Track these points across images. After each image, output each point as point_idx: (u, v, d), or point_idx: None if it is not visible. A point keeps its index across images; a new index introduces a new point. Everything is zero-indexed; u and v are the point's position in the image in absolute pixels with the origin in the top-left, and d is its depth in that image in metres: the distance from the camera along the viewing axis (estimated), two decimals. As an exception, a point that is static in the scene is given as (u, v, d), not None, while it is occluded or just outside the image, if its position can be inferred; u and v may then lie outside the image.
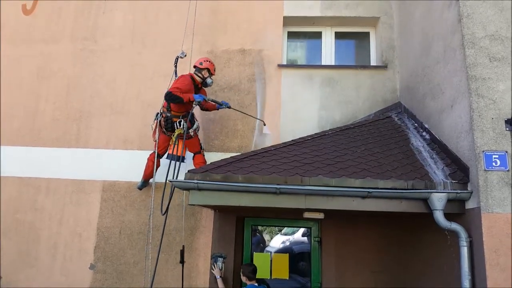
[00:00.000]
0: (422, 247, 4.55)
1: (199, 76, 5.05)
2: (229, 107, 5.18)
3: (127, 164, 5.57)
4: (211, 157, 5.08)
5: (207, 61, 5.09)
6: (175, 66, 5.15)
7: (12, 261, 5.40)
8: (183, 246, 4.83)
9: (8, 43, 6.31)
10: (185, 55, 5.14)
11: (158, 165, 5.11)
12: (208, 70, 5.06)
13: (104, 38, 6.16)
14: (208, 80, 5.09)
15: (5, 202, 5.63)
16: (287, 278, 5.21)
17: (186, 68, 5.23)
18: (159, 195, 5.27)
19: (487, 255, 3.34)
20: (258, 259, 5.25)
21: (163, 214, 4.46)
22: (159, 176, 4.99)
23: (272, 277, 5.18)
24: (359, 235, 5.14)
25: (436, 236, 4.10)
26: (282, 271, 5.21)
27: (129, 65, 6.00)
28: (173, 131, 4.90)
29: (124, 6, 6.26)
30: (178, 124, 4.87)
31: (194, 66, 5.10)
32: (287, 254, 5.38)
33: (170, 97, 4.71)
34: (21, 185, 5.68)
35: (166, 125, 4.91)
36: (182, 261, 4.76)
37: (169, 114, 4.88)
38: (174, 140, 4.89)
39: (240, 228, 5.37)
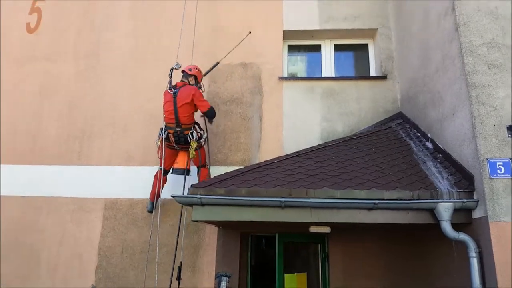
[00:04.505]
0: (431, 259, 4.47)
1: (184, 81, 5.09)
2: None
3: (129, 181, 5.53)
4: (214, 171, 5.04)
5: (196, 68, 5.17)
6: (170, 77, 5.14)
7: (12, 285, 5.27)
8: (181, 262, 4.74)
9: (12, 61, 6.37)
10: (180, 67, 5.16)
11: (165, 182, 5.09)
12: (195, 77, 5.13)
13: (106, 56, 6.21)
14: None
15: (6, 222, 5.57)
16: None
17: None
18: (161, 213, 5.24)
19: (497, 265, 3.27)
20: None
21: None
22: (166, 193, 4.95)
23: None
24: (366, 249, 5.03)
25: (444, 248, 4.03)
26: None
27: (131, 82, 6.03)
28: (186, 143, 4.87)
29: (126, 24, 6.35)
30: (191, 135, 4.85)
31: (183, 71, 5.15)
32: (305, 273, 5.11)
33: (214, 112, 5.03)
34: (22, 204, 5.62)
35: (178, 140, 4.88)
36: (178, 278, 4.65)
37: (179, 129, 4.85)
38: (193, 153, 4.83)
39: (245, 245, 5.27)
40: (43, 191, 5.64)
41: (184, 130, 4.85)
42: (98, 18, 6.42)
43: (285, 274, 4.62)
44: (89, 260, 5.31)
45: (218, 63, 5.56)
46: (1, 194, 5.69)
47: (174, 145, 4.94)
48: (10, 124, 6.05)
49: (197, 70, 5.17)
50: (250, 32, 5.63)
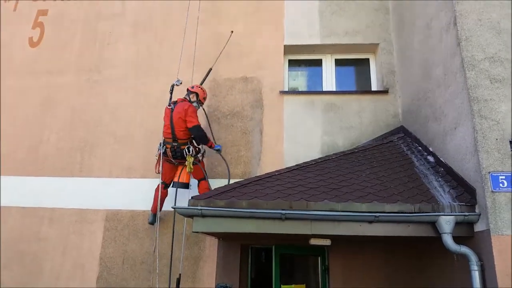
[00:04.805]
0: (432, 272, 4.42)
1: (186, 98, 5.15)
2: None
3: (131, 193, 5.55)
4: (215, 184, 5.03)
5: (198, 87, 5.26)
6: (171, 93, 5.21)
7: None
8: (180, 274, 4.74)
9: (14, 75, 6.47)
10: (181, 83, 5.24)
11: (165, 195, 5.11)
12: (197, 94, 5.18)
13: (108, 69, 6.30)
14: (194, 104, 5.16)
15: (7, 232, 5.59)
16: None
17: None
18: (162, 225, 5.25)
19: (499, 279, 3.24)
20: None
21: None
22: (167, 205, 4.97)
23: None
24: (367, 262, 4.98)
25: (446, 261, 3.99)
26: None
27: (133, 95, 6.10)
28: (183, 158, 4.89)
29: (128, 37, 6.46)
30: (187, 150, 4.88)
31: (187, 89, 5.25)
32: (304, 285, 5.09)
33: (202, 134, 4.88)
34: (25, 215, 5.65)
35: (174, 155, 4.91)
36: None
37: (175, 144, 4.89)
38: (192, 167, 4.86)
39: (245, 257, 5.24)
40: (45, 202, 5.67)
41: (181, 145, 4.89)
42: (100, 32, 6.54)
43: (282, 286, 4.57)
44: (91, 271, 5.31)
45: (211, 69, 5.65)
46: (3, 205, 5.72)
47: (172, 159, 4.97)
48: (13, 136, 6.12)
49: (200, 88, 5.24)
50: (232, 32, 5.78)
